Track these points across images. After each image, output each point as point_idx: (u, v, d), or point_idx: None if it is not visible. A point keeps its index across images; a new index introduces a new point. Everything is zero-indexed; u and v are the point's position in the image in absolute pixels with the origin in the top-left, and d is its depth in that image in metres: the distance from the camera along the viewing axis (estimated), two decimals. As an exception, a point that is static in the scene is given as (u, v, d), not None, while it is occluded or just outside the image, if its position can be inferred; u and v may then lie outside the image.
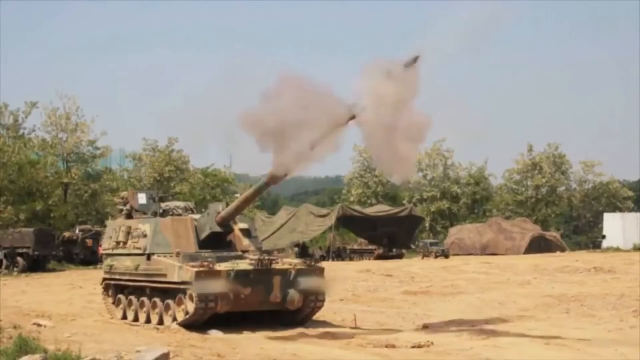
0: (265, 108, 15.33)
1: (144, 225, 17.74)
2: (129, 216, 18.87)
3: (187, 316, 15.95)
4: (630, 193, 68.97)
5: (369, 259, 47.72)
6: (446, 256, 47.71)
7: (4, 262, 37.18)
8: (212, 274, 15.76)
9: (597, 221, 63.24)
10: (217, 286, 15.68)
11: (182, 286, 16.06)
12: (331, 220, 49.41)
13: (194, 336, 15.04)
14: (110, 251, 18.68)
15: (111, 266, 18.39)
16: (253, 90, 15.51)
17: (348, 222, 52.88)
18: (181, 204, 19.32)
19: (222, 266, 16.05)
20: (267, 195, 69.83)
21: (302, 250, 46.33)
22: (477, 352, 13.01)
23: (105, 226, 20.11)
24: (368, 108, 14.74)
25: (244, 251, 17.15)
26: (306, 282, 16.61)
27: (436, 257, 47.39)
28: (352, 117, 14.96)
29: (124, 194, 20.45)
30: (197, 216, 17.99)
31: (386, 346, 13.72)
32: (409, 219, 52.27)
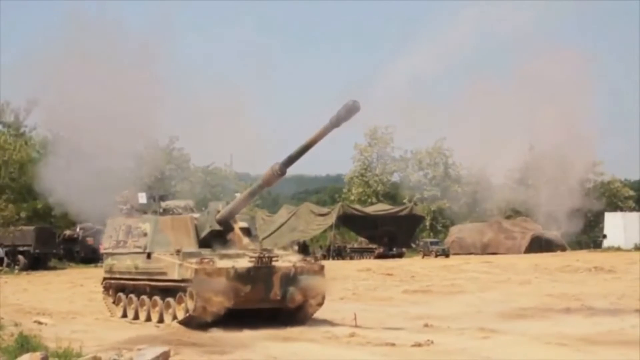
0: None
1: (144, 224, 17.74)
2: (129, 215, 18.87)
3: (188, 314, 15.95)
4: (632, 192, 68.86)
5: (370, 258, 47.68)
6: (447, 255, 47.69)
7: (5, 260, 37.21)
8: (212, 271, 15.76)
9: (598, 221, 63.20)
10: (217, 284, 15.69)
11: (182, 284, 16.07)
12: (332, 219, 49.42)
13: (195, 334, 15.04)
14: (110, 250, 18.68)
15: (111, 266, 18.40)
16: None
17: (348, 221, 52.87)
18: (181, 202, 19.32)
19: (222, 264, 16.05)
20: (267, 194, 69.78)
21: (303, 249, 46.28)
22: (477, 351, 13.00)
23: (105, 224, 20.11)
24: None
25: (244, 250, 17.14)
26: (306, 280, 16.62)
27: (437, 256, 47.36)
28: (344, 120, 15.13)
29: (124, 192, 20.43)
30: (197, 215, 17.99)
31: (386, 345, 13.72)
32: (410, 218, 52.28)
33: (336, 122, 15.30)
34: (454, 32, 13.87)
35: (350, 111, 15.04)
